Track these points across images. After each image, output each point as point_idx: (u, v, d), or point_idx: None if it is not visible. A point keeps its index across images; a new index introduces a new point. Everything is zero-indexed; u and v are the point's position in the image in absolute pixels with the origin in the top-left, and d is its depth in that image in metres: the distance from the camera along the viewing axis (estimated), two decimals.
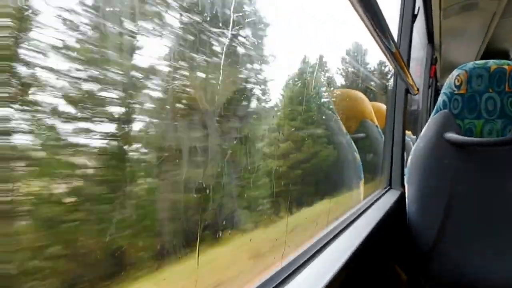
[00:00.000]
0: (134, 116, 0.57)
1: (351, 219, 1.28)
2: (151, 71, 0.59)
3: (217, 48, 0.71)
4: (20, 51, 0.42)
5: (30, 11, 0.42)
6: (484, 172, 1.66)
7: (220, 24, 0.70)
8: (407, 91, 1.97)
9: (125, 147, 0.56)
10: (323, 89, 1.67)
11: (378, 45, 1.20)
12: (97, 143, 0.52)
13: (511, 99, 1.65)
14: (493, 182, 1.65)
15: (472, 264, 1.70)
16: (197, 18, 0.66)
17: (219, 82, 0.70)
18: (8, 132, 0.41)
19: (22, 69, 0.42)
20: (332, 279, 0.77)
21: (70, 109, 0.48)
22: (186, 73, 0.66)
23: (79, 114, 0.49)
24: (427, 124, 1.78)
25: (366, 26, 1.01)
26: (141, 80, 0.57)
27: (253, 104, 0.94)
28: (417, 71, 4.20)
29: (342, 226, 1.19)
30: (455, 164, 1.68)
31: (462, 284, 1.80)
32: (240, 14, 0.79)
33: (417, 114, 4.41)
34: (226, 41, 0.72)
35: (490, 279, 1.71)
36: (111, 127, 0.53)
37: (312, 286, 0.73)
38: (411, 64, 2.16)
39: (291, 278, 0.78)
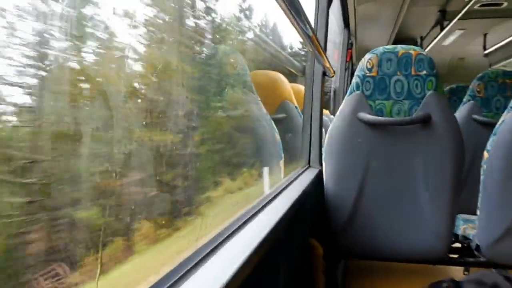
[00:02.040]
0: None
1: (271, 197, 1.31)
2: None
3: None
4: None
5: None
6: (393, 149, 1.78)
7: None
8: (324, 74, 2.04)
9: None
10: (244, 70, 1.67)
11: (295, 28, 1.22)
12: None
13: (417, 81, 1.77)
14: (401, 158, 1.78)
15: (382, 236, 1.84)
16: None
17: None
18: None
19: None
20: (251, 255, 0.78)
21: None
22: None
23: None
24: (342, 104, 1.86)
25: (283, 9, 1.02)
26: None
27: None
28: (334, 55, 4.36)
29: (262, 204, 1.21)
30: (368, 142, 1.79)
31: (374, 255, 1.94)
32: None
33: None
34: None
35: (399, 250, 1.85)
36: None
37: (232, 262, 0.74)
38: (330, 48, 2.24)
39: (209, 257, 0.79)
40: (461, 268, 2.80)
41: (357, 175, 1.81)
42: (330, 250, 1.88)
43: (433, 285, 1.20)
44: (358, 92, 1.82)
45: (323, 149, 1.94)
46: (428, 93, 1.76)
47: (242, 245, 0.85)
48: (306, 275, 1.55)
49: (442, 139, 1.74)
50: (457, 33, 4.97)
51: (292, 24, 1.18)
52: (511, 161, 1.69)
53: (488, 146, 1.75)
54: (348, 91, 1.86)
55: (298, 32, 1.27)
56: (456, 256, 1.96)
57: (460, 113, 2.78)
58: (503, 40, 4.98)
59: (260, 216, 1.11)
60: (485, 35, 5.28)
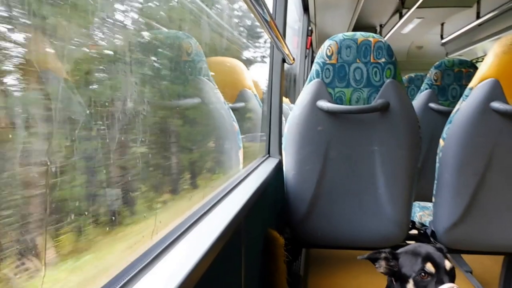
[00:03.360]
0: None
1: (230, 188, 1.31)
2: None
3: None
4: None
5: None
6: (352, 138, 1.83)
7: None
8: (283, 61, 2.05)
9: None
10: (199, 57, 1.65)
11: (253, 13, 1.22)
12: None
13: (376, 69, 1.82)
14: (360, 146, 1.83)
15: (342, 225, 1.89)
16: None
17: None
18: None
19: None
20: (212, 245, 0.79)
21: None
22: None
23: None
24: (301, 92, 1.88)
25: None
26: None
27: None
28: (294, 41, 4.39)
29: (222, 195, 1.22)
30: (327, 130, 1.82)
31: (334, 244, 1.99)
32: None
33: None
34: None
35: (358, 238, 1.91)
36: None
37: (193, 253, 0.74)
38: (290, 34, 2.25)
39: (169, 249, 0.78)
40: None
41: (317, 164, 1.84)
42: (291, 239, 1.91)
43: (373, 254, 1.27)
44: (318, 79, 1.85)
45: (283, 138, 1.96)
46: (387, 81, 1.81)
47: (203, 235, 0.86)
48: (268, 265, 1.57)
49: (399, 127, 1.80)
50: (416, 21, 5.13)
51: (250, 8, 1.18)
52: (465, 148, 1.77)
53: (444, 134, 1.82)
54: (308, 79, 1.89)
55: (256, 17, 1.27)
56: (413, 242, 2.05)
57: (418, 101, 2.88)
58: (459, 29, 5.18)
59: (220, 206, 1.12)
60: (442, 24, 5.48)
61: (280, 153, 2.06)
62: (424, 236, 2.01)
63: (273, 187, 1.80)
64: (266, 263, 1.57)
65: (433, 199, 1.88)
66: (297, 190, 1.89)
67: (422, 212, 2.06)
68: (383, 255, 1.26)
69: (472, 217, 1.81)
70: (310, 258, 3.05)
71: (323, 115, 1.82)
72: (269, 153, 2.09)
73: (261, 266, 1.55)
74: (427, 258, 1.22)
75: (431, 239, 1.95)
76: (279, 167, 1.93)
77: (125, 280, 0.63)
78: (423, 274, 1.20)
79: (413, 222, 2.09)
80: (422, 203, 2.14)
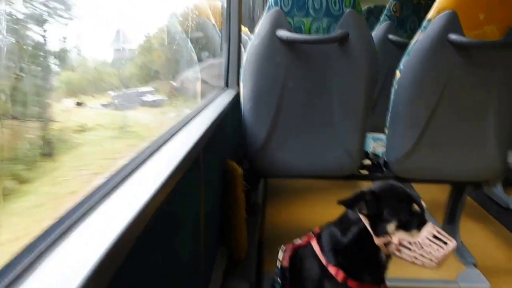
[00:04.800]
0: None
1: (188, 120, 1.32)
2: None
3: None
4: None
5: None
6: (310, 68, 1.85)
7: None
8: None
9: None
10: None
11: None
12: None
13: None
14: (318, 77, 1.86)
15: (298, 155, 1.96)
16: None
17: None
18: None
19: None
20: (170, 175, 0.80)
21: None
22: None
23: None
24: (260, 21, 1.86)
25: None
26: None
27: None
28: None
29: (179, 126, 1.22)
30: (286, 61, 1.83)
31: (291, 173, 2.07)
32: None
33: None
34: None
35: (314, 167, 1.99)
36: None
37: (151, 183, 0.75)
38: None
39: (126, 180, 0.79)
40: (370, 183, 3.08)
41: (274, 95, 1.86)
42: (250, 170, 1.97)
43: (354, 197, 1.24)
44: (276, 8, 1.82)
45: (241, 70, 1.95)
46: (347, 11, 1.81)
47: (161, 166, 0.87)
48: (227, 195, 1.63)
49: (358, 58, 1.83)
50: None
51: None
52: (420, 81, 1.83)
53: (401, 66, 1.87)
54: (267, 7, 1.85)
55: None
56: (366, 172, 2.15)
57: (376, 33, 2.91)
58: None
59: (178, 138, 1.13)
60: None
61: (238, 85, 2.07)
62: (377, 166, 2.11)
63: (231, 119, 1.82)
64: (225, 193, 1.63)
65: (386, 131, 1.96)
66: (255, 121, 1.92)
67: (375, 143, 2.15)
68: (366, 197, 1.22)
69: (423, 148, 1.91)
70: (269, 188, 3.16)
71: (282, 45, 1.82)
72: (227, 85, 2.09)
73: (220, 196, 1.61)
74: (412, 199, 1.23)
75: (384, 169, 2.06)
76: (237, 99, 1.94)
77: (81, 213, 0.64)
78: (408, 215, 1.20)
79: (367, 153, 2.18)
80: (376, 134, 2.22)
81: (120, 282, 0.62)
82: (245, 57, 1.89)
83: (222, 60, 2.06)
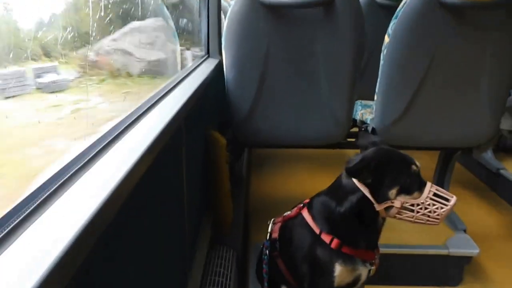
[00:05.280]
0: None
1: (167, 90, 1.28)
2: None
3: None
4: None
5: None
6: (295, 34, 1.79)
7: None
8: None
9: None
10: None
11: None
12: None
13: None
14: (303, 44, 1.80)
15: (283, 124, 1.92)
16: None
17: None
18: None
19: None
20: (151, 145, 0.77)
21: None
22: None
23: None
24: None
25: None
26: None
27: None
28: None
29: (158, 97, 1.18)
30: (269, 27, 1.77)
31: (276, 143, 2.04)
32: None
33: None
34: None
35: (300, 136, 1.96)
36: None
37: (132, 153, 0.73)
38: None
39: (106, 150, 0.77)
40: (357, 151, 3.08)
41: (258, 63, 1.81)
42: (233, 140, 1.93)
43: (359, 167, 1.20)
44: None
45: (222, 38, 1.89)
46: None
47: (141, 137, 0.84)
48: (210, 166, 1.60)
49: (344, 23, 1.77)
50: None
51: None
52: (410, 45, 1.79)
53: (389, 30, 1.82)
54: None
55: None
56: (353, 140, 2.13)
57: None
58: None
59: (158, 108, 1.09)
60: None
61: (220, 53, 2.01)
62: (364, 133, 2.08)
63: (214, 89, 1.77)
64: (208, 164, 1.60)
65: (375, 97, 1.93)
66: (239, 90, 1.87)
67: (364, 110, 2.12)
68: (369, 165, 1.20)
69: (413, 114, 1.89)
70: (253, 158, 3.14)
71: (264, 10, 1.75)
72: (208, 53, 2.02)
73: (203, 167, 1.58)
74: (410, 161, 1.23)
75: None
76: (219, 68, 1.89)
77: (59, 182, 0.61)
78: (408, 178, 1.20)
79: (355, 120, 2.15)
80: (364, 101, 2.19)
81: (103, 250, 0.63)
82: (225, 24, 1.83)
83: (162, 23, 1.96)
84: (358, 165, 1.20)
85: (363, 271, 1.31)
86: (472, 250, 1.91)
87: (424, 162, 1.30)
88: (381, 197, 1.22)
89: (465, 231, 2.07)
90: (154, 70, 1.59)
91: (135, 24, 1.45)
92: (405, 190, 1.21)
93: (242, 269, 1.79)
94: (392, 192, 1.21)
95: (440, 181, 2.28)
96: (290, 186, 2.69)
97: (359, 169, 1.20)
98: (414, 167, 1.22)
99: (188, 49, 2.13)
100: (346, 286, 1.34)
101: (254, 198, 2.50)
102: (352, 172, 1.22)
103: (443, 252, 1.90)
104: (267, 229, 1.49)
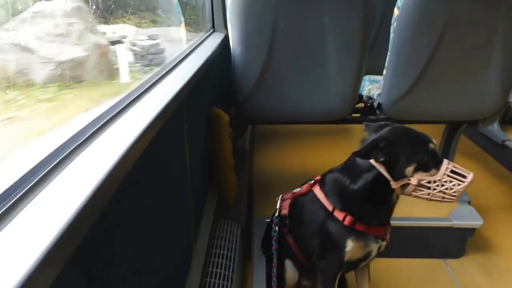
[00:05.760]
0: None
1: (173, 64, 1.28)
2: None
3: None
4: None
5: None
6: (302, 8, 1.76)
7: None
8: None
9: None
10: None
11: None
12: None
13: None
14: (310, 18, 1.78)
15: (288, 100, 1.92)
16: None
17: None
18: None
19: None
20: (151, 123, 0.79)
21: None
22: None
23: None
24: None
25: None
26: None
27: None
28: None
29: (164, 71, 1.19)
30: (276, 1, 1.75)
31: (280, 119, 2.04)
32: None
33: None
34: None
35: (304, 112, 1.96)
36: None
37: (135, 127, 0.75)
38: None
39: (108, 125, 0.78)
40: (362, 126, 3.06)
41: (265, 37, 1.79)
42: (237, 117, 1.94)
43: (370, 147, 1.20)
44: None
45: (227, 11, 1.87)
46: None
47: (144, 112, 0.85)
48: (213, 142, 1.62)
49: None
50: None
51: None
52: (420, 17, 1.75)
53: (399, 2, 1.78)
54: None
55: None
56: (358, 115, 2.12)
57: None
58: None
59: (161, 84, 1.10)
60: None
61: (226, 27, 1.99)
62: (370, 108, 2.07)
63: (219, 64, 1.77)
64: (211, 140, 1.61)
65: (385, 71, 1.91)
66: (245, 66, 1.86)
67: (371, 86, 2.10)
68: (381, 145, 1.21)
69: (421, 88, 1.87)
70: (256, 133, 3.15)
71: None
72: (213, 27, 2.01)
73: (206, 143, 1.60)
74: (428, 139, 1.24)
75: (377, 112, 2.02)
76: (225, 43, 1.87)
77: (63, 156, 0.63)
78: (426, 156, 1.21)
79: (361, 96, 2.14)
80: (373, 77, 2.17)
81: (106, 224, 0.65)
82: None
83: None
84: (366, 148, 1.21)
85: (374, 247, 1.34)
86: (475, 222, 1.92)
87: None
88: (398, 174, 1.23)
89: (469, 203, 2.08)
90: (71, 76, 1.06)
91: (40, 6, 0.96)
92: (423, 167, 1.22)
93: (247, 243, 1.82)
94: (409, 169, 1.22)
95: (445, 154, 2.28)
96: (293, 161, 2.71)
97: (368, 151, 1.21)
98: (431, 145, 1.23)
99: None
100: (356, 261, 1.38)
101: (257, 173, 2.53)
102: (361, 156, 1.23)
103: (447, 224, 1.91)
104: (272, 204, 1.52)
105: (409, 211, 1.91)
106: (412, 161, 1.21)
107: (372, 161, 1.24)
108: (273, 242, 1.46)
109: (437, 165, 1.23)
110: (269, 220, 1.64)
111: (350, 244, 1.30)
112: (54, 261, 0.44)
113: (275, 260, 1.46)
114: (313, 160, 2.56)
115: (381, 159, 1.22)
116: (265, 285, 1.57)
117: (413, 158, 1.21)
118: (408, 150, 1.22)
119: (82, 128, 0.73)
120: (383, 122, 1.36)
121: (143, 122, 0.78)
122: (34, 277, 0.40)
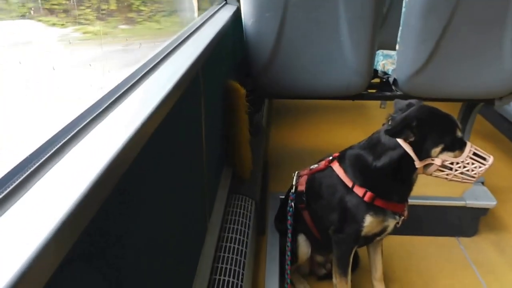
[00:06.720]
0: None
1: (184, 37, 1.25)
2: None
3: None
4: None
5: None
6: None
7: None
8: None
9: None
10: None
11: None
12: None
13: None
14: None
15: (303, 75, 1.89)
16: None
17: None
18: None
19: None
20: (168, 95, 0.77)
21: None
22: None
23: None
24: None
25: None
26: None
27: None
28: None
29: (175, 44, 1.16)
30: None
31: (296, 94, 2.02)
32: None
33: None
34: None
35: (320, 87, 1.93)
36: None
37: (147, 102, 0.73)
38: None
39: (124, 97, 0.77)
40: (378, 102, 3.04)
41: (277, 10, 1.76)
42: (253, 90, 1.91)
43: (402, 126, 1.20)
44: None
45: None
46: None
47: (159, 84, 0.84)
48: (229, 116, 1.60)
49: None
50: None
51: None
52: None
53: None
54: None
55: None
56: (374, 91, 2.09)
57: None
58: None
59: (175, 56, 1.08)
60: None
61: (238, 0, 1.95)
62: (386, 84, 2.04)
63: (232, 37, 1.74)
64: (227, 114, 1.60)
65: (397, 47, 1.87)
66: (257, 39, 1.82)
67: (385, 61, 2.07)
68: (413, 124, 1.21)
69: (436, 64, 1.83)
70: (273, 109, 3.13)
71: None
72: None
73: (222, 117, 1.58)
74: (456, 122, 1.26)
75: (393, 87, 1.99)
76: (237, 15, 1.84)
77: (79, 127, 0.62)
78: (453, 137, 1.23)
79: (376, 71, 2.10)
80: (386, 51, 2.13)
81: (121, 197, 0.65)
82: None
83: None
84: (399, 126, 1.22)
85: (391, 223, 1.36)
86: (489, 202, 1.90)
87: None
88: (424, 154, 1.24)
89: (483, 183, 2.06)
90: None
91: None
92: (449, 148, 1.24)
93: (261, 218, 1.82)
94: (436, 150, 1.23)
95: None
96: (308, 138, 2.69)
97: (400, 130, 1.21)
98: (458, 130, 1.25)
99: None
100: (372, 236, 1.39)
101: (273, 148, 2.51)
102: (393, 134, 1.23)
103: (460, 203, 1.90)
104: (286, 180, 1.51)
105: (423, 190, 1.89)
106: (440, 142, 1.23)
107: (400, 140, 1.24)
108: (289, 217, 1.46)
109: (461, 147, 1.25)
110: (283, 196, 1.64)
111: (368, 219, 1.31)
112: (72, 228, 0.44)
113: (289, 235, 1.47)
114: (328, 137, 2.55)
115: (411, 139, 1.23)
116: (278, 260, 1.58)
117: (441, 139, 1.23)
118: (437, 131, 1.23)
119: (98, 100, 0.72)
120: (412, 100, 1.35)
121: (159, 93, 0.77)
122: (47, 247, 0.39)
